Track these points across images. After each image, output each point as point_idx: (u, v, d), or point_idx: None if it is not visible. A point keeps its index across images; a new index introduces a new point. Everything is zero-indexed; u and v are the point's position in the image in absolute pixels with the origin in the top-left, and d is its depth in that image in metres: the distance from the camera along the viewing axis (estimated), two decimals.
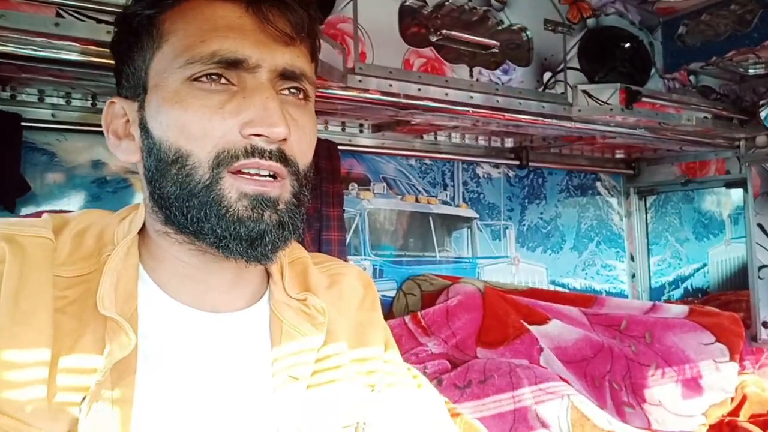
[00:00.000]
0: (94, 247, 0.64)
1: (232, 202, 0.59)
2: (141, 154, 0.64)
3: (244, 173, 0.60)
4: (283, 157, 0.61)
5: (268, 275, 0.73)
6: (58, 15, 1.02)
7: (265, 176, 0.60)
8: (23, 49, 1.02)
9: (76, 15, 1.04)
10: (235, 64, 0.60)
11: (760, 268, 2.21)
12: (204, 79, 0.60)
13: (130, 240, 0.64)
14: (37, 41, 1.02)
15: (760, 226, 2.20)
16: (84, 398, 0.55)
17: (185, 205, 0.60)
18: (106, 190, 1.49)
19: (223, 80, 0.60)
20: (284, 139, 0.60)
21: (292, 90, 0.64)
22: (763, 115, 1.98)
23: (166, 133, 0.60)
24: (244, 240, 0.59)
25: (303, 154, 0.64)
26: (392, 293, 2.04)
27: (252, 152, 0.59)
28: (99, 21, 1.05)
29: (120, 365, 0.57)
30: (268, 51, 0.61)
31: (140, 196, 0.72)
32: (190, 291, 0.66)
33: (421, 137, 1.98)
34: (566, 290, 2.43)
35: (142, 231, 0.67)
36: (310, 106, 0.67)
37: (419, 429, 0.79)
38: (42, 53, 1.04)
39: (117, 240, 0.64)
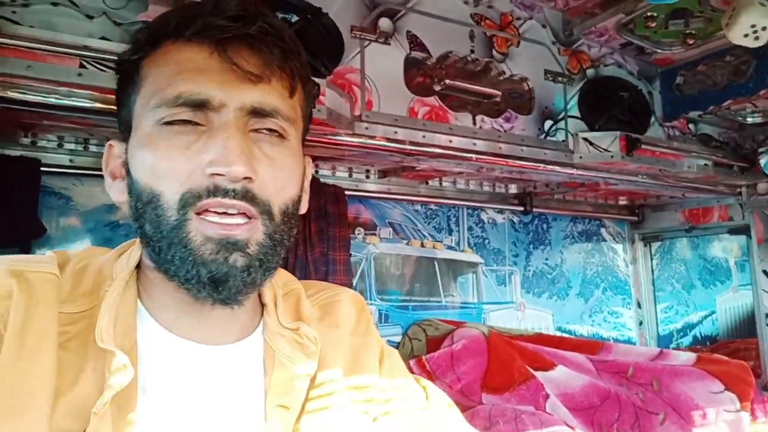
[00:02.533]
0: (94, 283, 0.65)
1: (197, 245, 0.59)
2: (127, 194, 0.66)
3: (210, 213, 0.60)
4: (249, 196, 0.60)
5: (263, 306, 0.74)
6: (81, 66, 1.08)
7: (234, 215, 0.60)
8: (47, 97, 1.07)
9: (97, 66, 1.10)
10: (200, 105, 0.61)
11: (767, 315, 2.20)
12: (174, 123, 0.61)
13: (127, 274, 0.65)
14: (61, 90, 1.08)
15: (765, 272, 2.20)
16: (85, 429, 0.56)
17: (157, 245, 0.61)
18: (118, 234, 1.52)
19: (190, 123, 0.61)
20: (248, 178, 0.60)
21: (265, 129, 0.64)
22: (763, 162, 2.01)
23: (141, 173, 0.62)
24: (206, 283, 0.60)
25: (280, 191, 0.64)
26: (398, 338, 2.03)
27: (214, 191, 0.59)
28: (109, 68, 1.10)
29: (120, 398, 0.58)
30: (234, 90, 0.61)
31: None
32: (186, 324, 0.66)
33: (427, 183, 2.02)
34: (573, 336, 2.41)
35: (140, 266, 0.68)
36: (290, 142, 0.66)
37: None
38: (65, 101, 1.09)
39: (116, 275, 0.65)
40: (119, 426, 0.57)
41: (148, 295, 0.67)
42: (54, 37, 1.05)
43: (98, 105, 1.11)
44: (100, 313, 0.61)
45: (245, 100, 0.62)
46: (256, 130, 0.64)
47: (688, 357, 2.19)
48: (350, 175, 1.88)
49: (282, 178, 0.65)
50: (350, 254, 1.85)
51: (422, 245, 2.10)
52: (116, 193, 0.68)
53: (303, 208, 0.72)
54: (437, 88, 1.53)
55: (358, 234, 1.96)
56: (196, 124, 0.61)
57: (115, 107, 1.06)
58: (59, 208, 1.46)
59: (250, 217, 0.61)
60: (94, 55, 1.08)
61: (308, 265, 1.72)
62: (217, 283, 0.60)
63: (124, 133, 0.67)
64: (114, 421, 0.57)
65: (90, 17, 1.10)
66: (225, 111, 0.61)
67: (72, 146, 1.45)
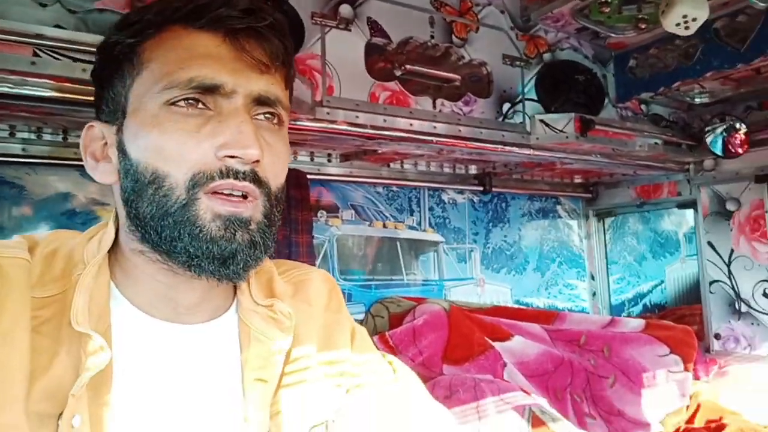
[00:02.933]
0: (65, 268, 0.65)
1: (206, 222, 0.61)
2: (118, 175, 0.66)
3: (218, 194, 0.62)
4: (256, 178, 0.63)
5: (234, 285, 0.76)
6: (35, 54, 1.05)
7: (238, 197, 0.63)
8: None
9: (51, 54, 1.07)
10: (211, 89, 0.63)
11: (711, 283, 2.33)
12: (181, 103, 0.62)
13: (101, 258, 0.66)
14: (13, 79, 1.05)
15: (710, 243, 2.32)
16: (61, 413, 0.57)
17: (160, 224, 0.62)
18: (75, 222, 1.50)
19: (200, 105, 0.63)
20: (257, 161, 0.63)
21: (267, 115, 0.67)
22: (709, 140, 2.11)
23: (143, 154, 0.63)
24: (216, 259, 0.62)
25: (276, 176, 0.67)
26: (361, 316, 2.08)
27: (227, 173, 0.61)
28: (75, 60, 1.08)
29: (96, 380, 0.59)
30: (243, 78, 0.64)
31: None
32: (161, 305, 0.68)
33: (388, 165, 2.04)
34: (530, 308, 2.50)
35: (113, 249, 0.69)
36: (284, 131, 0.70)
37: (389, 424, 0.82)
38: (17, 90, 1.06)
39: (87, 259, 0.66)
40: (95, 407, 0.59)
41: (124, 277, 0.68)
42: (6, 25, 1.01)
43: (53, 93, 1.09)
44: (74, 296, 0.62)
45: (254, 87, 0.65)
46: (259, 117, 0.67)
47: (637, 323, 2.31)
48: (312, 159, 1.88)
49: (279, 164, 0.68)
50: (313, 236, 1.86)
51: (384, 226, 2.13)
52: (101, 174, 0.69)
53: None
54: (398, 73, 1.54)
55: (321, 217, 1.98)
56: (205, 108, 0.63)
57: (71, 95, 1.04)
58: (12, 197, 1.43)
59: (252, 198, 0.64)
60: (48, 43, 1.06)
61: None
62: (225, 259, 0.62)
63: (111, 114, 0.67)
64: (90, 403, 0.58)
65: (43, 5, 1.07)
66: (235, 97, 0.64)
67: (25, 135, 1.41)
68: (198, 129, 0.62)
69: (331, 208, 2.01)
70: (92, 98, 1.13)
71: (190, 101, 0.63)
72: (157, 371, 0.66)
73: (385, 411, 0.82)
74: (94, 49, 1.09)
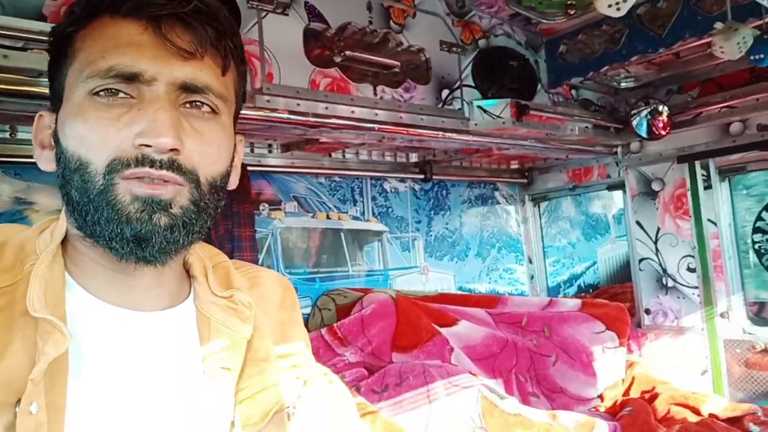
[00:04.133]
0: (15, 259, 0.65)
1: (125, 205, 0.61)
2: (56, 163, 0.66)
3: (137, 179, 0.62)
4: (176, 166, 0.62)
5: (191, 278, 0.76)
6: None
7: (158, 181, 0.62)
8: None
9: None
10: (131, 77, 0.62)
11: (640, 260, 2.45)
12: (103, 93, 0.62)
13: (54, 248, 0.66)
14: None
15: (638, 223, 2.44)
16: (19, 400, 0.56)
17: (84, 209, 0.62)
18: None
19: (121, 95, 0.62)
20: (174, 150, 0.62)
21: (197, 103, 0.66)
22: (635, 123, 2.21)
23: (70, 142, 0.63)
24: (130, 240, 0.61)
25: (207, 165, 0.66)
26: (307, 310, 2.05)
27: (142, 161, 0.61)
28: None
29: (53, 367, 0.58)
30: (165, 65, 0.63)
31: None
32: (114, 291, 0.67)
33: (330, 155, 2.02)
34: (473, 293, 2.55)
35: (65, 240, 0.68)
36: (221, 119, 0.68)
37: (334, 420, 0.85)
38: None
39: (39, 250, 0.66)
40: (53, 394, 0.58)
41: (75, 266, 0.67)
42: None
43: None
44: (30, 284, 0.61)
45: (177, 74, 0.63)
46: (187, 105, 0.65)
47: (574, 303, 2.40)
48: (252, 150, 1.84)
49: (211, 152, 0.66)
50: (255, 230, 1.82)
51: (328, 217, 2.11)
52: (44, 162, 0.69)
53: (232, 184, 0.74)
54: (337, 59, 1.52)
55: (263, 210, 1.94)
56: (128, 96, 0.63)
57: None
58: None
59: (174, 183, 0.63)
60: None
61: (213, 244, 1.67)
62: (140, 241, 0.62)
63: (56, 104, 0.67)
64: (47, 390, 0.57)
65: None
66: (156, 85, 0.63)
67: None
68: (118, 118, 0.62)
69: (273, 200, 1.97)
70: (15, 87, 1.08)
71: (111, 91, 0.62)
72: (115, 358, 0.65)
73: (326, 409, 0.85)
74: (16, 34, 1.02)
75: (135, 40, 0.63)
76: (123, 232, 0.61)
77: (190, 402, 0.67)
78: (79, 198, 0.62)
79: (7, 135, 1.40)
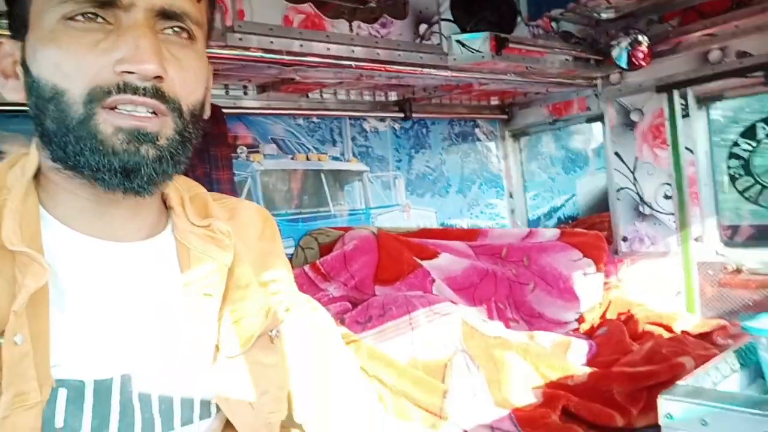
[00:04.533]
0: None
1: (107, 135, 0.60)
2: (26, 93, 0.64)
3: (119, 110, 0.60)
4: (159, 94, 0.61)
5: (168, 209, 0.76)
6: None
7: (143, 114, 0.61)
8: None
9: None
10: (109, 2, 0.60)
11: (618, 190, 2.48)
12: (79, 17, 0.60)
13: (26, 182, 0.65)
14: None
15: (616, 154, 2.46)
16: (2, 332, 0.56)
17: (63, 140, 0.61)
18: None
19: (99, 19, 0.60)
20: (159, 77, 0.61)
21: (175, 29, 0.64)
22: (614, 54, 2.19)
23: (42, 71, 0.61)
24: (119, 172, 0.61)
25: (188, 93, 0.65)
26: (290, 250, 2.07)
27: (124, 88, 0.59)
28: None
29: (34, 298, 0.58)
30: None
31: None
32: (91, 223, 0.67)
33: (307, 96, 1.98)
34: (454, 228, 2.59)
35: (36, 172, 0.67)
36: (198, 46, 0.67)
37: (318, 345, 0.87)
38: None
39: (11, 185, 0.65)
40: (36, 325, 0.58)
41: (50, 199, 0.66)
42: None
43: None
44: (3, 218, 0.61)
45: (155, 0, 0.61)
46: (167, 32, 0.64)
47: (552, 233, 2.46)
48: (227, 92, 1.80)
49: (190, 80, 0.65)
50: (234, 173, 1.81)
51: (307, 158, 2.10)
52: (10, 92, 0.67)
53: (207, 113, 0.73)
54: None
55: (241, 153, 1.92)
56: (104, 22, 0.61)
57: None
58: None
59: (161, 114, 0.63)
60: None
61: None
62: (128, 172, 0.61)
63: (18, 30, 0.64)
64: (30, 322, 0.58)
65: None
66: (134, 10, 0.61)
67: None
68: (96, 44, 0.60)
69: (251, 143, 1.94)
70: None
71: (89, 15, 0.60)
72: (95, 288, 0.65)
73: (314, 334, 0.87)
74: None
75: None
76: (111, 162, 0.60)
77: (171, 330, 0.68)
78: (57, 128, 0.61)
79: None
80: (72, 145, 0.60)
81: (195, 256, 0.72)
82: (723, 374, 1.25)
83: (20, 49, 0.64)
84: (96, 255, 0.66)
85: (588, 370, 1.67)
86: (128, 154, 0.60)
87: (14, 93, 0.66)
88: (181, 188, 0.77)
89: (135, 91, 0.60)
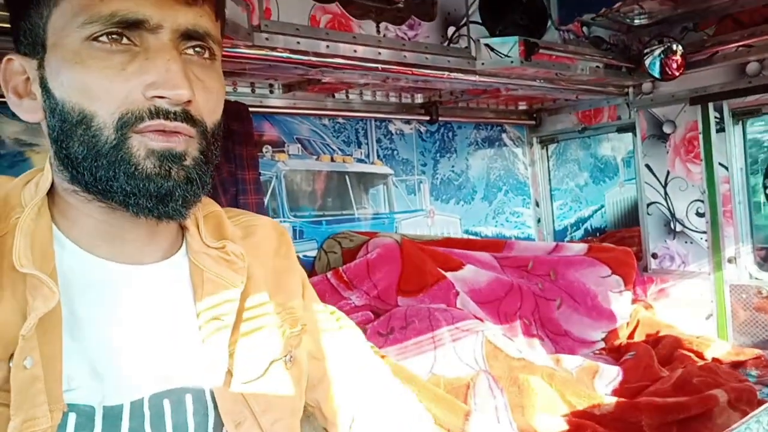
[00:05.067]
0: (1, 212, 0.63)
1: (140, 159, 0.59)
2: (44, 113, 0.63)
3: (151, 132, 0.60)
4: (188, 118, 0.61)
5: (183, 229, 0.74)
6: None
7: (171, 131, 0.61)
8: None
9: None
10: (135, 24, 0.58)
11: (648, 205, 2.43)
12: (104, 38, 0.58)
13: (39, 201, 0.63)
14: None
15: (647, 166, 2.40)
16: (11, 355, 0.55)
17: (93, 165, 0.60)
18: (1, 165, 1.40)
19: (124, 40, 0.59)
20: (188, 101, 0.60)
21: (197, 49, 0.63)
22: (647, 62, 2.14)
23: (68, 93, 0.59)
24: (154, 197, 0.60)
25: (210, 114, 0.65)
26: (313, 253, 2.07)
27: (156, 113, 0.59)
28: None
29: (45, 321, 0.57)
30: (169, 11, 0.60)
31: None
32: (106, 246, 0.66)
33: (333, 96, 1.98)
34: (479, 238, 2.56)
35: (51, 191, 0.66)
36: (217, 64, 0.67)
37: (339, 367, 0.85)
38: None
39: (25, 203, 0.63)
40: (46, 349, 0.57)
41: (65, 219, 0.65)
42: None
43: None
44: (15, 238, 0.59)
45: (181, 21, 0.60)
46: (189, 52, 0.63)
47: (581, 248, 2.40)
48: (253, 91, 1.81)
49: (212, 100, 0.65)
50: (259, 173, 1.81)
51: (332, 160, 2.10)
52: (26, 113, 0.65)
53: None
54: None
55: (266, 152, 1.92)
56: (130, 43, 0.59)
57: None
58: None
59: (186, 134, 0.62)
60: None
61: (216, 187, 1.67)
62: (163, 197, 0.61)
63: (30, 47, 0.63)
64: (41, 344, 0.57)
65: None
66: (162, 32, 0.60)
67: None
68: (124, 66, 0.59)
69: (276, 142, 1.95)
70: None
71: (114, 36, 0.59)
72: (108, 312, 0.64)
73: (330, 357, 0.85)
74: None
75: None
76: (147, 187, 0.59)
77: (185, 355, 0.67)
78: (86, 153, 0.59)
79: None
80: (104, 170, 0.59)
81: (208, 279, 0.70)
82: (765, 427, 1.19)
83: (36, 68, 0.63)
84: (110, 278, 0.65)
85: (615, 399, 1.62)
86: (162, 179, 0.60)
87: (30, 114, 0.64)
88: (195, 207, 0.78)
89: (167, 115, 0.59)
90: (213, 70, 0.65)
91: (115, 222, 0.64)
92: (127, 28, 0.58)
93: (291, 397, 0.75)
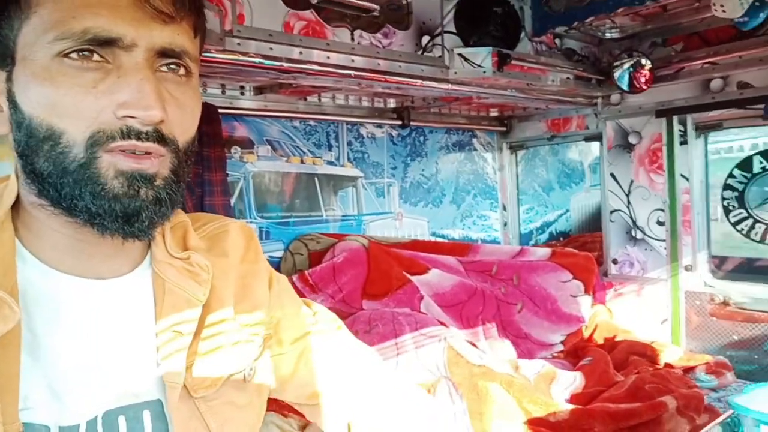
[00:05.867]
0: None
1: (108, 179, 0.58)
2: (10, 126, 0.61)
3: (121, 152, 0.59)
4: (160, 137, 0.60)
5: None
6: None
7: (141, 153, 0.60)
8: None
9: None
10: (109, 42, 0.57)
11: (611, 212, 2.48)
12: (74, 55, 0.57)
13: (2, 214, 0.62)
14: None
15: (612, 175, 2.46)
16: None
17: (59, 182, 0.58)
18: None
19: (95, 57, 0.58)
20: (161, 121, 0.59)
21: (171, 66, 0.62)
22: (616, 75, 2.18)
23: (36, 109, 0.58)
24: (120, 217, 0.59)
25: (184, 132, 0.64)
26: (279, 254, 2.05)
27: (128, 134, 0.58)
28: None
29: (4, 340, 0.57)
30: (145, 29, 0.58)
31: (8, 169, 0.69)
32: (71, 261, 0.65)
33: (305, 99, 1.96)
34: (446, 240, 2.58)
35: (15, 204, 0.65)
36: (193, 82, 0.65)
37: (315, 366, 0.85)
38: None
39: None
40: (6, 366, 0.57)
41: (29, 233, 0.64)
42: None
43: None
44: None
45: (156, 40, 0.59)
46: (163, 69, 0.62)
47: (544, 252, 2.45)
48: (223, 92, 1.78)
49: (187, 119, 0.64)
50: (227, 174, 1.79)
51: (302, 161, 2.08)
52: None
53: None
54: (314, 1, 1.45)
55: (235, 153, 1.89)
56: (102, 60, 0.58)
57: None
58: None
59: (157, 155, 0.61)
60: None
61: None
62: (129, 217, 0.60)
63: (2, 60, 0.61)
64: (0, 362, 0.56)
65: None
66: (136, 51, 0.58)
67: None
68: (95, 84, 0.57)
69: (245, 143, 1.92)
70: None
71: (85, 53, 0.57)
72: (68, 330, 0.62)
73: (311, 354, 0.84)
74: None
75: (110, 0, 0.57)
76: (113, 208, 0.58)
77: (144, 370, 0.66)
78: (52, 169, 0.58)
79: None
80: (69, 188, 0.58)
81: (170, 290, 0.69)
82: None
83: (5, 81, 0.61)
84: (72, 294, 0.64)
85: (570, 407, 1.67)
86: (128, 198, 0.59)
87: None
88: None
89: (138, 136, 0.58)
90: (189, 87, 0.64)
91: (82, 237, 0.63)
92: (100, 45, 0.57)
93: (249, 412, 0.74)
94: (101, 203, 0.58)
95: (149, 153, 0.59)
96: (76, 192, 0.58)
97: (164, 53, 0.60)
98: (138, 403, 0.65)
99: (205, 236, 0.80)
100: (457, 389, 1.60)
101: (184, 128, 0.63)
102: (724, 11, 1.46)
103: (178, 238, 0.75)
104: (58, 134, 0.57)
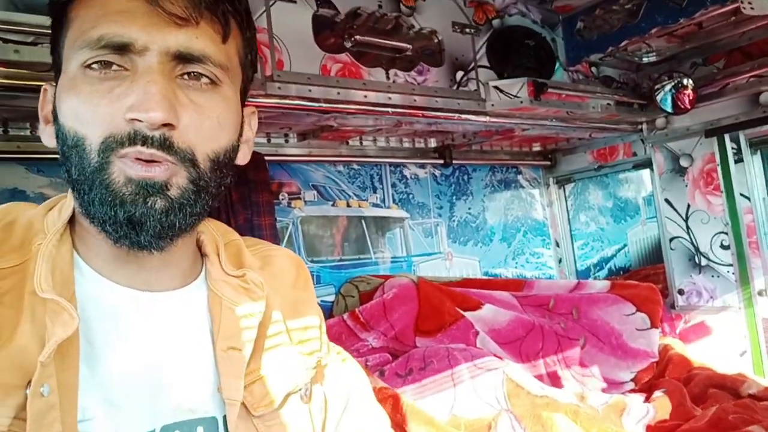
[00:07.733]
0: (24, 238, 0.63)
1: (119, 186, 0.59)
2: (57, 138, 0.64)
3: (131, 158, 0.59)
4: (167, 145, 0.59)
5: (203, 256, 0.74)
6: None
7: (149, 160, 0.60)
8: None
9: None
10: (122, 48, 0.59)
11: (671, 239, 2.39)
12: (96, 65, 0.60)
13: (61, 227, 0.64)
14: None
15: (667, 201, 2.38)
16: (29, 382, 0.55)
17: (81, 188, 0.60)
18: None
19: (114, 67, 0.60)
20: (168, 125, 0.59)
21: (194, 74, 0.62)
22: (659, 98, 2.15)
23: (66, 118, 0.61)
24: (123, 224, 0.59)
25: (206, 140, 0.63)
26: (331, 298, 2.06)
27: (134, 138, 0.58)
28: (5, 41, 1.03)
29: (63, 348, 0.57)
30: (158, 33, 0.59)
31: None
32: (124, 271, 0.66)
33: (347, 143, 2.02)
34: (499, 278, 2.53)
35: (72, 218, 0.66)
36: (223, 90, 0.64)
37: (351, 399, 0.84)
38: None
39: (47, 229, 0.64)
40: (64, 376, 0.57)
41: (84, 245, 0.66)
42: None
43: None
44: (36, 264, 0.60)
45: (169, 43, 0.60)
46: (185, 77, 0.62)
47: (603, 285, 2.35)
48: (269, 141, 1.86)
49: (210, 126, 0.63)
50: (276, 219, 1.84)
51: (348, 205, 2.12)
52: (47, 137, 0.66)
53: (242, 160, 0.72)
54: (348, 44, 1.52)
55: (283, 199, 1.96)
56: (121, 68, 0.60)
57: (5, 81, 1.00)
58: None
59: (164, 163, 0.61)
60: None
61: None
62: (134, 224, 0.59)
63: (56, 77, 0.65)
64: (58, 372, 0.56)
65: None
66: (149, 55, 0.60)
67: None
68: (111, 90, 0.59)
69: (292, 190, 1.98)
70: (28, 82, 1.10)
71: (104, 63, 0.60)
72: (125, 341, 0.63)
73: (340, 389, 0.84)
74: (26, 29, 1.04)
75: (125, 7, 0.60)
76: (116, 214, 0.58)
77: (200, 386, 0.66)
78: (78, 175, 0.60)
79: (27, 132, 1.44)
80: (86, 193, 0.60)
81: (227, 307, 0.70)
82: None
83: (53, 95, 0.65)
84: (128, 306, 0.65)
85: None
86: (134, 205, 0.58)
87: (50, 139, 0.65)
88: (217, 234, 0.76)
89: (144, 141, 0.58)
90: (216, 95, 0.64)
91: (119, 248, 0.63)
92: (116, 53, 0.59)
93: (306, 431, 0.73)
94: (106, 209, 0.59)
95: (155, 161, 0.59)
96: (90, 197, 0.60)
97: (181, 57, 0.61)
98: (193, 419, 0.65)
99: (257, 256, 0.81)
100: (520, 422, 1.53)
101: (204, 136, 0.62)
102: (752, 8, 1.44)
103: (232, 254, 0.76)
104: (81, 141, 0.60)
